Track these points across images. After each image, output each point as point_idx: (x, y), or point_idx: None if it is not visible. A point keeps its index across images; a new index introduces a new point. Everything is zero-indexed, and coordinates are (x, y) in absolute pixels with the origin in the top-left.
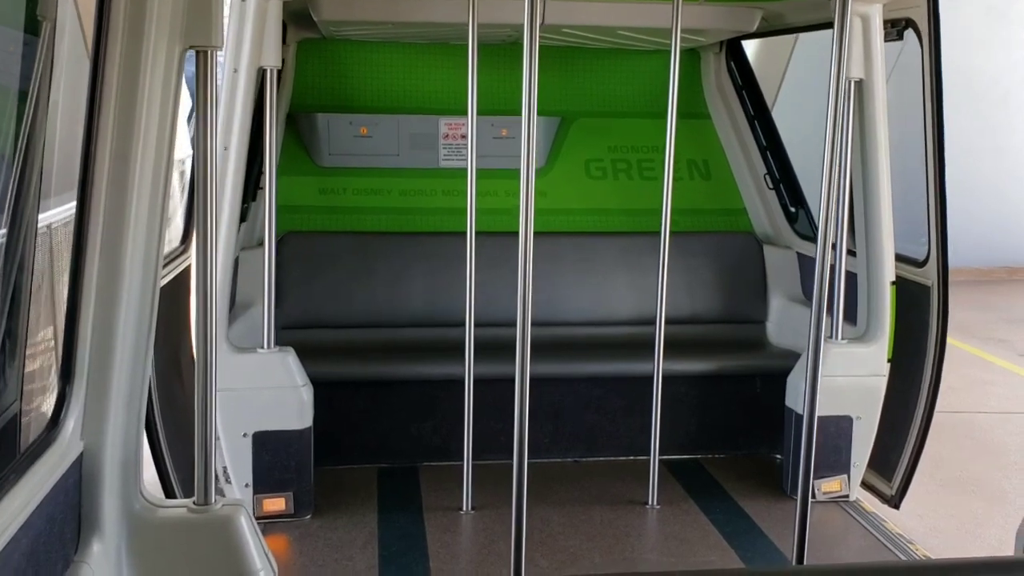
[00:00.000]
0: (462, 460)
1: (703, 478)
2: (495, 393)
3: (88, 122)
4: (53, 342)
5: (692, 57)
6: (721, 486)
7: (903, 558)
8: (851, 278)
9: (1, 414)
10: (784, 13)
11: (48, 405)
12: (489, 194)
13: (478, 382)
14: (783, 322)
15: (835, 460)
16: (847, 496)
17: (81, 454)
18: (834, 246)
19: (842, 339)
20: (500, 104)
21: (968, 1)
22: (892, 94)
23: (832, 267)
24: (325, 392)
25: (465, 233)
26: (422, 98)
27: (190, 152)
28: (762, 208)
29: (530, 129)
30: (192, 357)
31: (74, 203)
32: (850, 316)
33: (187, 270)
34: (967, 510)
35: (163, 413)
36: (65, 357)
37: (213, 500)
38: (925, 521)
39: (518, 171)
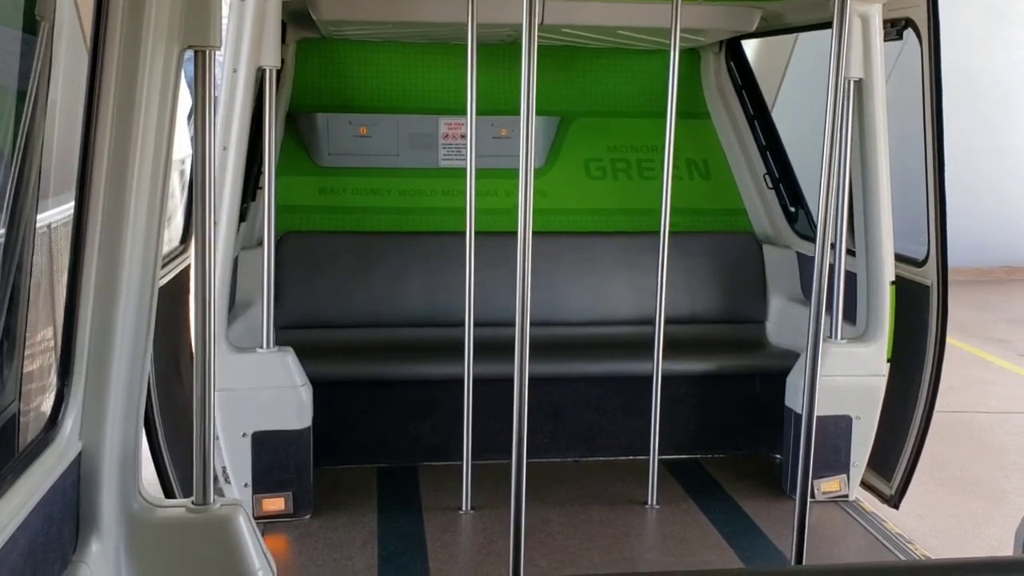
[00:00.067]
0: (461, 460)
1: (702, 478)
2: (495, 393)
3: (86, 122)
4: (53, 342)
5: (692, 57)
6: (720, 486)
7: (902, 558)
8: (851, 278)
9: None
10: (783, 13)
11: (48, 405)
12: (489, 194)
13: (477, 382)
14: (783, 322)
15: (834, 460)
16: (846, 496)
17: (79, 454)
18: (833, 246)
19: (841, 339)
20: (500, 104)
21: (968, 1)
22: (892, 94)
23: (831, 267)
24: (324, 392)
25: (465, 233)
26: (422, 98)
27: (190, 152)
28: (762, 208)
29: (529, 129)
30: (192, 357)
31: (73, 203)
32: (849, 316)
33: (187, 269)
34: (966, 510)
35: (162, 413)
36: (63, 357)
37: (212, 500)
38: (925, 521)
39: (518, 171)
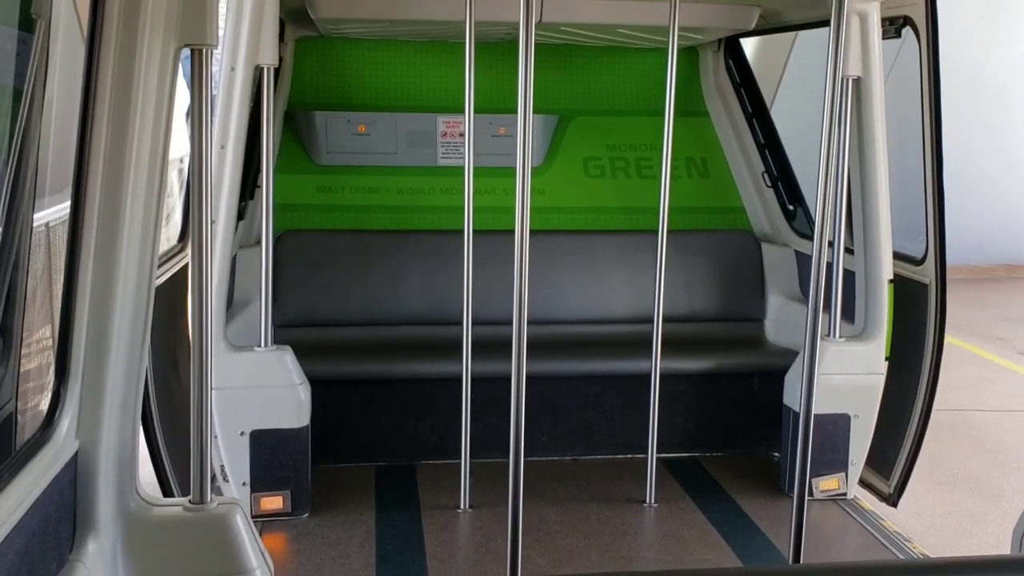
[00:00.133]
0: (460, 458)
1: (701, 476)
2: (493, 391)
3: (83, 121)
4: (51, 341)
5: (691, 55)
6: (719, 484)
7: (900, 556)
8: (849, 276)
9: None
10: (782, 11)
11: (46, 404)
12: (487, 192)
13: (476, 380)
14: (781, 320)
15: (833, 458)
16: (845, 494)
17: (76, 453)
18: (831, 244)
19: (840, 337)
20: (498, 102)
21: None
22: (891, 92)
23: (829, 265)
24: (322, 390)
25: (463, 231)
26: (420, 96)
27: (189, 150)
28: (760, 206)
29: (526, 127)
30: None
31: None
32: (848, 314)
33: (185, 268)
34: (965, 508)
35: (160, 412)
36: (60, 356)
37: (209, 499)
38: (923, 519)
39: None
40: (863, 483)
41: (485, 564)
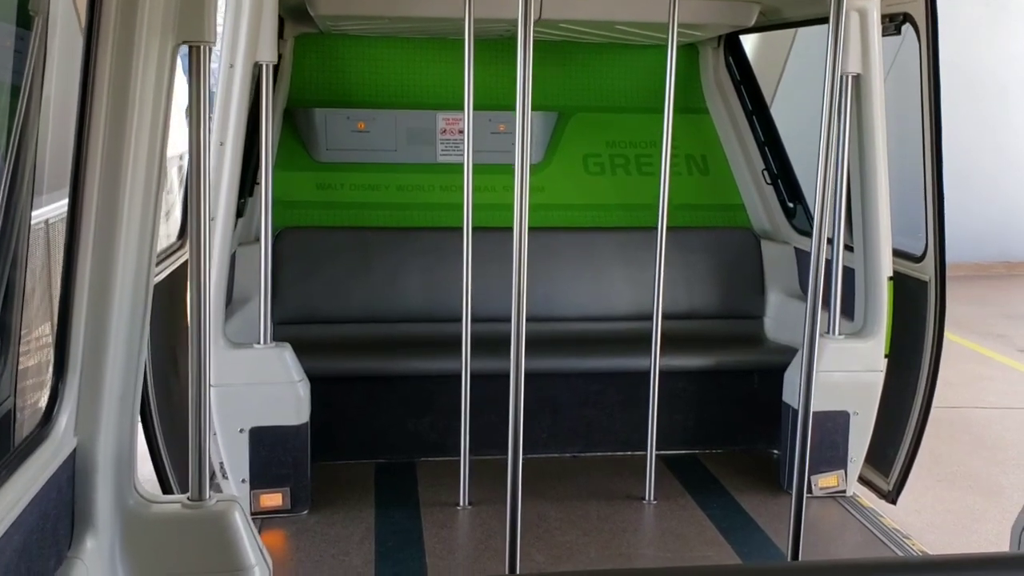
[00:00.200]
0: (459, 455)
1: (700, 473)
2: (493, 388)
3: (80, 118)
4: (51, 338)
5: (690, 52)
6: (718, 481)
7: (899, 553)
8: (849, 273)
9: None
10: (782, 7)
11: (44, 400)
12: (487, 189)
13: (475, 377)
14: (781, 317)
15: (832, 455)
16: (844, 491)
17: (74, 450)
18: (831, 241)
19: (839, 334)
20: (498, 99)
21: None
22: (892, 89)
23: (829, 262)
24: (322, 387)
25: (462, 229)
26: (420, 93)
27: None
28: (760, 203)
29: (524, 124)
30: None
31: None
32: (848, 311)
33: (185, 265)
34: (964, 506)
35: (160, 409)
36: (58, 353)
37: (207, 496)
38: (922, 516)
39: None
40: (862, 480)
41: (484, 561)
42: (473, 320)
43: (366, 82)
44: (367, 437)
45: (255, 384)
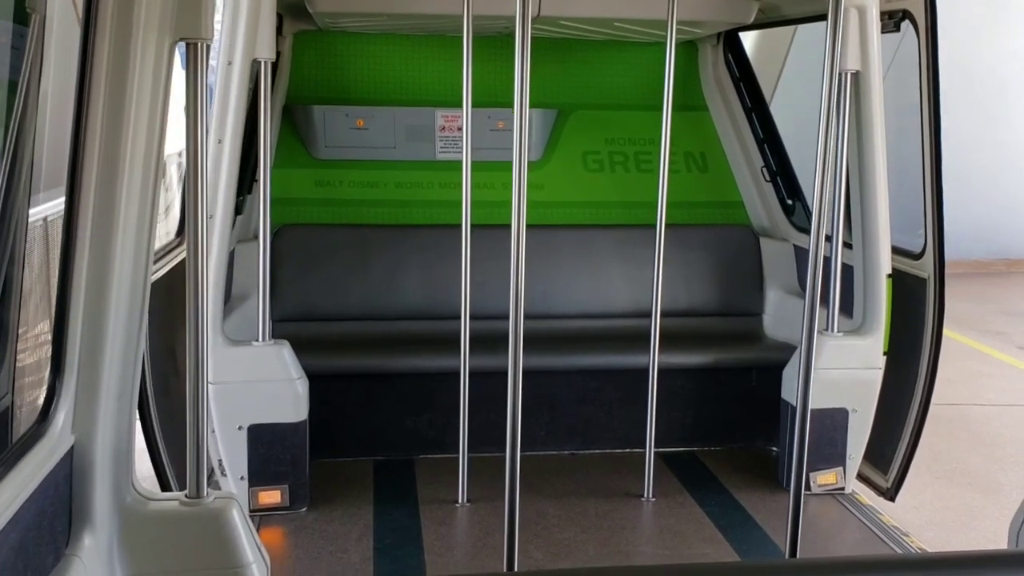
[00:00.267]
0: (458, 453)
1: (699, 471)
2: (491, 386)
3: (77, 115)
4: (50, 335)
5: (690, 49)
6: (717, 479)
7: (898, 551)
8: (847, 271)
9: None
10: (781, 5)
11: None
12: (486, 187)
13: (474, 375)
14: (779, 315)
15: (831, 453)
16: (842, 488)
17: (72, 447)
18: (829, 238)
19: (838, 332)
20: (497, 97)
21: None
22: (892, 86)
23: (827, 259)
24: (321, 385)
25: (461, 226)
26: (419, 90)
27: None
28: (759, 201)
29: (522, 122)
30: None
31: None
32: (846, 309)
33: (184, 262)
34: (963, 502)
35: (158, 406)
36: (55, 350)
37: (205, 493)
38: (921, 514)
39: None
40: (861, 477)
41: (483, 558)
42: (472, 317)
43: (365, 79)
44: (366, 434)
45: (254, 381)
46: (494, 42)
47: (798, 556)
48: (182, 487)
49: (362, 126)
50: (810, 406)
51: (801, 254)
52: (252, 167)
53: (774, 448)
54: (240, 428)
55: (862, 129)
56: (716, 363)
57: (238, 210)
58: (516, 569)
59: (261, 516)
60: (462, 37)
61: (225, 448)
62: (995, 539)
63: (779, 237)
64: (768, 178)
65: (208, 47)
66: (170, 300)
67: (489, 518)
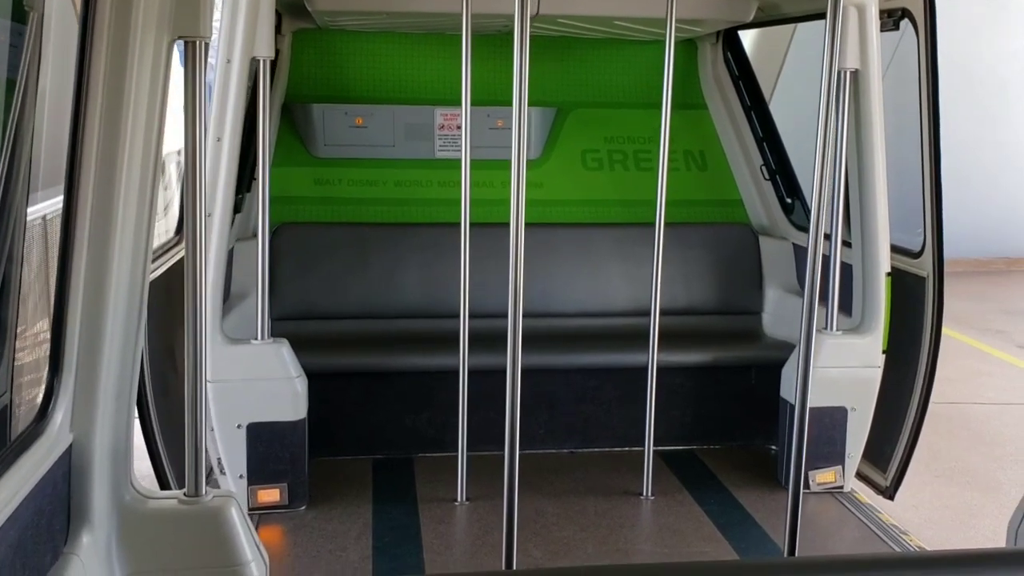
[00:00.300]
0: (457, 451)
1: (698, 469)
2: (490, 384)
3: (75, 114)
4: (50, 334)
5: (689, 47)
6: (716, 477)
7: (897, 549)
8: (847, 269)
9: None
10: (780, 3)
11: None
12: (485, 185)
13: (473, 373)
14: (779, 313)
15: (830, 451)
16: (841, 487)
17: (70, 446)
18: (828, 236)
19: (837, 330)
20: (496, 95)
21: None
22: (892, 84)
23: (826, 258)
24: (320, 383)
25: (460, 224)
26: (418, 88)
27: None
28: (758, 199)
29: (521, 120)
30: None
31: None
32: (846, 307)
33: (183, 260)
34: (962, 501)
35: (157, 405)
36: (53, 349)
37: (204, 491)
38: (920, 512)
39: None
40: (860, 476)
41: (482, 556)
42: (471, 316)
43: (364, 77)
44: (365, 433)
45: (253, 380)
46: (493, 40)
47: (797, 554)
48: (181, 486)
49: (361, 124)
50: (809, 404)
51: (800, 252)
52: (251, 165)
53: (773, 446)
54: (239, 426)
55: (861, 128)
56: (715, 361)
57: (237, 208)
58: (515, 567)
59: (260, 514)
60: (461, 35)
61: (224, 446)
62: (994, 537)
63: (778, 235)
64: (767, 176)
65: (207, 45)
66: (169, 298)
67: (488, 516)
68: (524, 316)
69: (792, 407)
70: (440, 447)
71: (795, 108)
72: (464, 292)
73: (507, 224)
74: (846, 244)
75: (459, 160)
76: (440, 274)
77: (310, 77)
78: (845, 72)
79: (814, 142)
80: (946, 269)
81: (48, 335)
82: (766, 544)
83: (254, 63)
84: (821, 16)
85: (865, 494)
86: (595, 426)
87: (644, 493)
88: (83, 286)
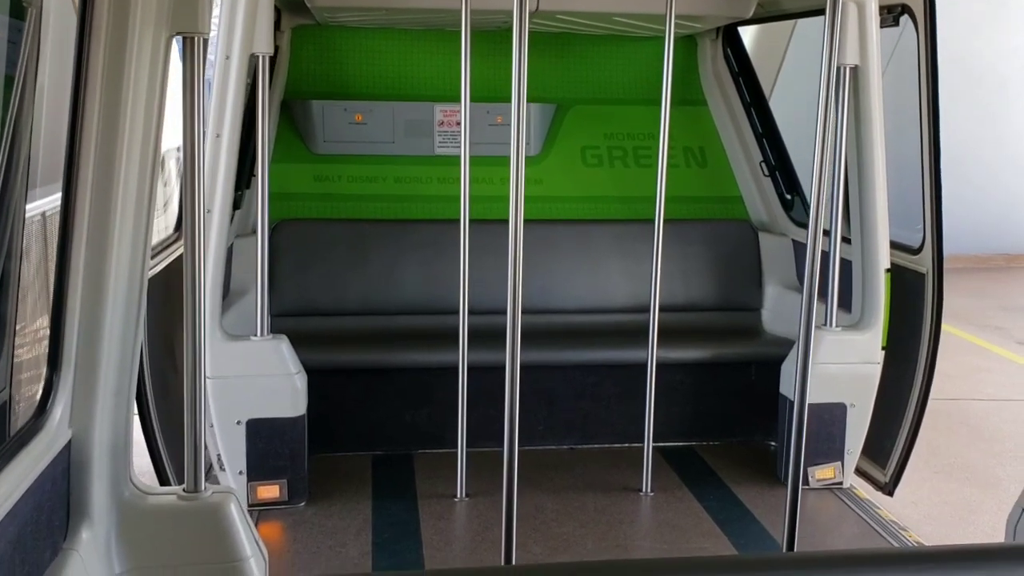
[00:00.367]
0: (456, 448)
1: (697, 465)
2: (490, 380)
3: (73, 110)
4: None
5: (689, 43)
6: (715, 473)
7: (896, 545)
8: (846, 265)
9: None
10: None
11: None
12: (484, 181)
13: (473, 369)
14: (778, 309)
15: (829, 447)
16: (841, 483)
17: (69, 441)
18: (827, 232)
19: (836, 326)
20: (496, 91)
21: None
22: (892, 80)
23: (825, 254)
24: (319, 380)
25: (460, 221)
26: (417, 85)
27: None
28: (758, 195)
29: (520, 116)
30: None
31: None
32: (845, 304)
33: (183, 257)
34: (961, 497)
35: (157, 401)
36: (52, 344)
37: (203, 487)
38: (919, 508)
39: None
40: (859, 472)
41: (481, 552)
42: (470, 312)
43: (363, 74)
44: (364, 429)
45: (252, 376)
46: (493, 36)
47: (796, 550)
48: (181, 482)
49: (360, 121)
50: (808, 401)
51: (800, 249)
52: (251, 162)
53: (772, 443)
54: (239, 423)
55: (861, 124)
56: (715, 358)
57: (236, 205)
58: (514, 563)
59: (260, 511)
60: (461, 31)
61: (224, 443)
62: (993, 533)
63: (778, 232)
64: (767, 173)
65: (205, 41)
66: (169, 295)
67: (488, 513)
68: (524, 312)
69: (791, 403)
70: (440, 443)
71: (795, 105)
72: (464, 288)
73: (506, 221)
74: (846, 240)
75: (459, 156)
76: (440, 270)
77: (309, 73)
78: (845, 68)
79: (814, 139)
80: (946, 265)
81: (47, 331)
82: (765, 540)
83: (253, 59)
84: (821, 12)
85: (864, 490)
86: (594, 422)
87: (643, 489)
88: (82, 282)
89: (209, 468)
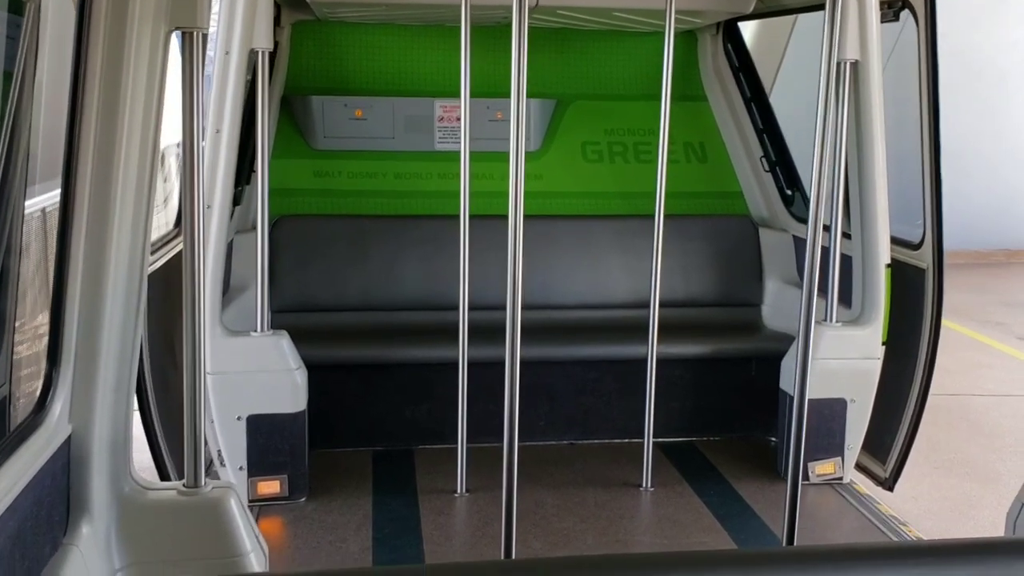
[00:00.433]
0: (457, 443)
1: (697, 460)
2: (490, 376)
3: (72, 106)
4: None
5: (689, 39)
6: (715, 468)
7: (896, 539)
8: (846, 261)
9: None
10: None
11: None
12: (484, 177)
13: (473, 365)
14: (778, 305)
15: (829, 442)
16: (841, 478)
17: (69, 437)
18: (827, 228)
19: (837, 322)
20: (496, 87)
21: None
22: (892, 75)
23: (825, 249)
24: (319, 375)
25: (460, 216)
26: (417, 80)
27: None
28: (758, 191)
29: (519, 112)
30: None
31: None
32: (845, 299)
33: (182, 253)
34: (961, 492)
35: (157, 397)
36: (52, 340)
37: (203, 483)
38: (919, 503)
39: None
40: (859, 467)
41: (481, 547)
42: (471, 308)
43: (363, 69)
44: (364, 425)
45: (252, 372)
46: (493, 32)
47: (796, 545)
48: (181, 477)
49: (360, 116)
50: (808, 396)
51: (800, 244)
52: (250, 157)
53: (772, 438)
54: (239, 418)
55: (861, 119)
56: (715, 353)
57: (236, 201)
58: (514, 558)
59: (260, 506)
60: (460, 27)
61: (224, 438)
62: (992, 529)
63: (778, 227)
64: (767, 168)
65: (205, 37)
66: (169, 291)
67: (488, 508)
68: (524, 308)
69: (792, 398)
70: (440, 439)
71: (796, 100)
72: (464, 284)
73: (507, 216)
74: (846, 236)
75: (459, 152)
76: (440, 266)
77: (309, 69)
78: (845, 63)
79: (814, 134)
80: (946, 261)
81: (47, 327)
82: (765, 535)
83: (253, 55)
84: (821, 7)
85: (864, 485)
86: (595, 418)
87: (644, 484)
88: (81, 278)
89: (209, 464)
